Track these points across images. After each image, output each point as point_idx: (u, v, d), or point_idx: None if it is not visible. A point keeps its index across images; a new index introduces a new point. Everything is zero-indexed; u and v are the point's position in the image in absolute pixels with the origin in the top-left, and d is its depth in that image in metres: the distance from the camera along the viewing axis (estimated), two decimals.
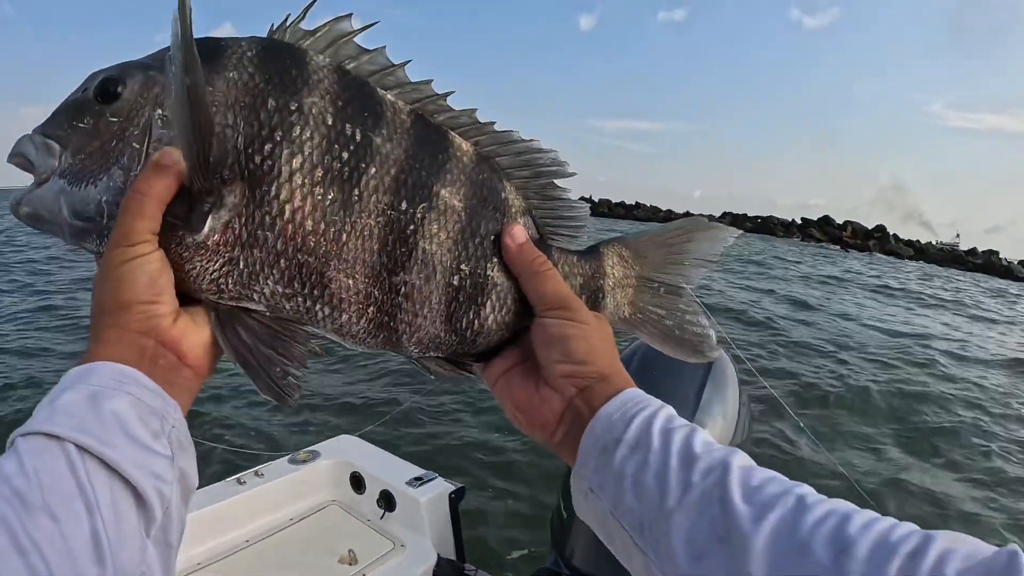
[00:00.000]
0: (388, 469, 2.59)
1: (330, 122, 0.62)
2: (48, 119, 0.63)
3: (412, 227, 0.65)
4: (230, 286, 0.61)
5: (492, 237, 0.70)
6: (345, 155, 0.62)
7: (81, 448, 0.46)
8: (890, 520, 0.47)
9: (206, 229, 0.59)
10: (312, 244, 0.61)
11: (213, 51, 0.61)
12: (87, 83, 0.62)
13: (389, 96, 0.66)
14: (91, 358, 0.53)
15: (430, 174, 0.66)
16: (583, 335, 0.66)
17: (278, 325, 0.63)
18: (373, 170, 0.63)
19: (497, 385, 0.72)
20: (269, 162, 0.60)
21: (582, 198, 0.75)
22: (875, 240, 77.93)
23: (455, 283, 0.68)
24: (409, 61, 0.67)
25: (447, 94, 0.68)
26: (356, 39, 0.65)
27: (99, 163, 0.60)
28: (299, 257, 0.61)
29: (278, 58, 0.63)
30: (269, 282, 0.61)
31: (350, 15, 0.64)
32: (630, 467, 0.56)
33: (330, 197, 0.61)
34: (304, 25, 0.65)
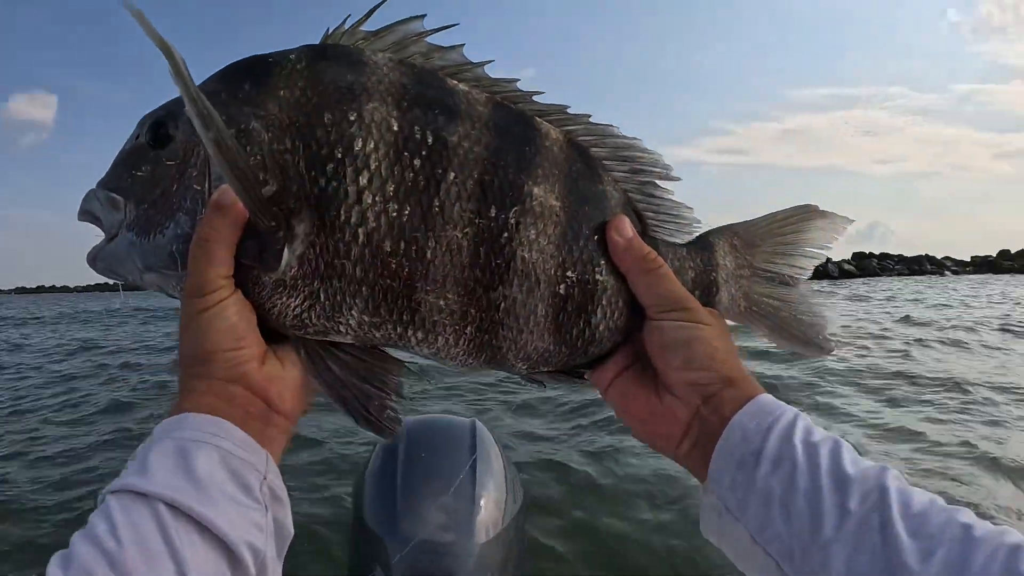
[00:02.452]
0: None
1: (395, 127, 0.56)
2: (108, 171, 0.61)
3: (506, 235, 0.58)
4: (314, 320, 0.57)
5: (596, 236, 0.62)
6: (417, 162, 0.56)
7: (171, 506, 0.45)
8: None
9: (282, 265, 0.55)
10: (394, 266, 0.56)
11: (261, 71, 0.57)
12: (137, 128, 0.60)
13: (462, 86, 0.59)
14: (179, 410, 0.52)
15: (519, 171, 0.59)
16: (704, 337, 0.60)
17: (370, 356, 0.59)
18: (452, 175, 0.57)
19: (610, 391, 0.66)
20: (334, 183, 0.54)
21: None
22: None
23: (561, 292, 0.61)
24: (491, 61, 0.60)
25: (534, 93, 0.61)
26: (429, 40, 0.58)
27: (163, 211, 0.57)
28: (382, 282, 0.56)
29: (330, 64, 0.57)
30: (354, 312, 0.57)
31: (423, 16, 0.58)
32: (776, 487, 0.51)
33: (407, 212, 0.55)
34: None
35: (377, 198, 0.55)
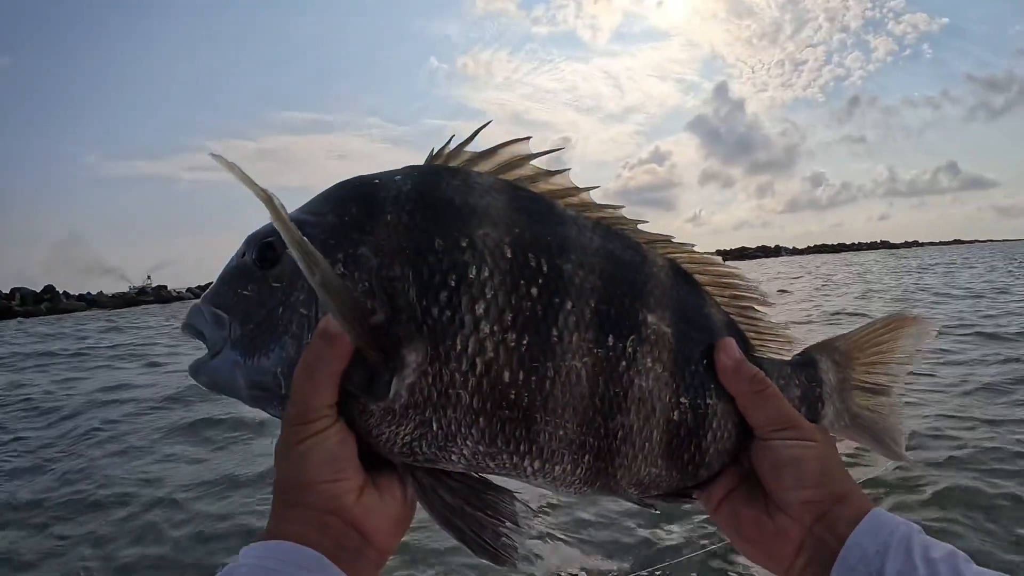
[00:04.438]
0: None
1: (509, 254, 0.56)
2: (214, 287, 0.61)
3: (624, 363, 0.59)
4: (424, 449, 0.55)
5: (705, 360, 0.64)
6: (535, 291, 0.56)
7: None
8: None
9: (391, 395, 0.54)
10: (513, 396, 0.55)
11: (368, 193, 0.58)
12: (244, 247, 0.60)
13: (571, 212, 0.60)
14: (272, 534, 0.52)
15: (634, 299, 0.60)
16: (815, 455, 0.61)
17: (480, 484, 0.58)
18: (570, 304, 0.57)
19: (720, 511, 0.66)
20: (448, 312, 0.54)
21: None
22: (47, 302, 69.38)
23: (675, 418, 0.62)
24: (597, 187, 0.61)
25: (639, 221, 0.63)
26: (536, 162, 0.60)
27: (269, 332, 0.56)
28: (500, 412, 0.55)
29: (438, 187, 0.57)
30: (468, 442, 0.55)
31: (528, 138, 0.60)
32: None
33: (525, 342, 0.55)
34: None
35: (495, 328, 0.54)
